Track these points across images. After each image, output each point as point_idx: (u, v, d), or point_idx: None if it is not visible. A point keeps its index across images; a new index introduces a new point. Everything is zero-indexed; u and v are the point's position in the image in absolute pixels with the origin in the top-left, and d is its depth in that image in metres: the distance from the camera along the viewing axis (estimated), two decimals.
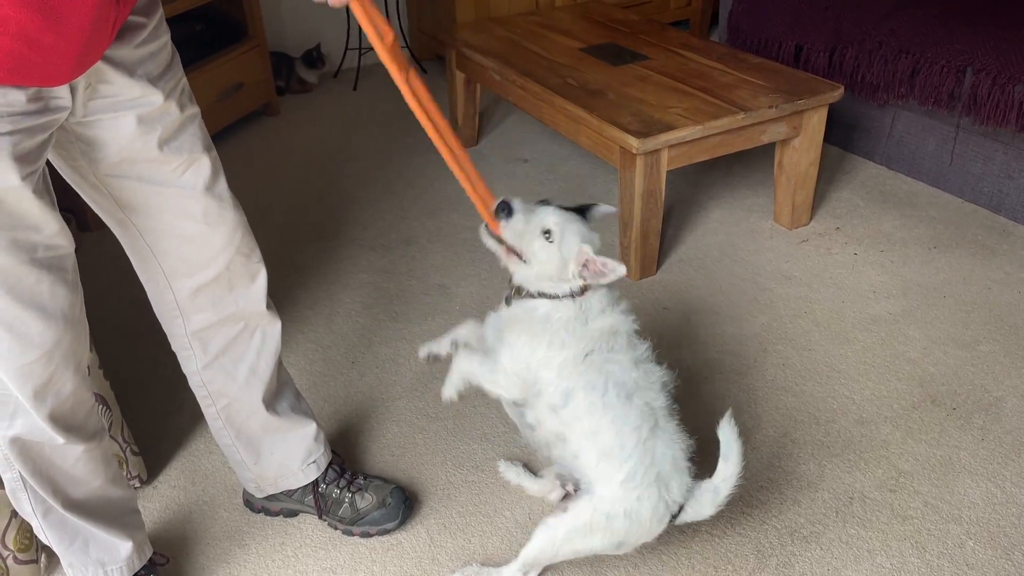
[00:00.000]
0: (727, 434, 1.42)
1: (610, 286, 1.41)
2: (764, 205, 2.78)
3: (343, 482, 1.68)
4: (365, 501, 1.66)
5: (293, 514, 1.71)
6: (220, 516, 1.74)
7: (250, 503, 1.73)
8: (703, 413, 1.93)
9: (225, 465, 1.84)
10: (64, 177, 1.29)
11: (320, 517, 1.68)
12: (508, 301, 1.45)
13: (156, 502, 1.77)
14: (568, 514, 1.40)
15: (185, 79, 1.30)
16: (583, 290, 1.38)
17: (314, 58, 3.91)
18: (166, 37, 1.25)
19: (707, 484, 1.42)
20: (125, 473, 1.73)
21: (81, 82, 1.13)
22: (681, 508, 1.41)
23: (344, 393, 2.06)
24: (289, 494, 1.67)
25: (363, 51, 4.06)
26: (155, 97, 1.21)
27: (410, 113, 1.31)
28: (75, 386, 1.27)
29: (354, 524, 1.65)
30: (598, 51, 2.82)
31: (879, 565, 1.57)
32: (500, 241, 1.38)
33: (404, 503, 1.67)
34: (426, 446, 1.89)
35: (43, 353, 1.19)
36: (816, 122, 2.49)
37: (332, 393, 2.05)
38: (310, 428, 1.64)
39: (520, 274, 1.41)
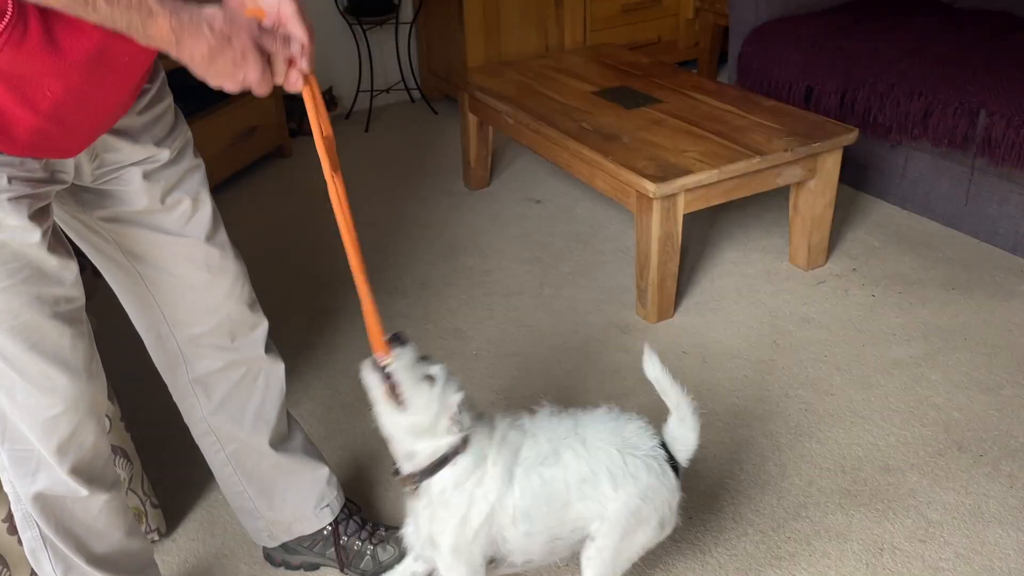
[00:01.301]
0: (654, 371, 1.43)
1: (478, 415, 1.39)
2: (779, 246, 2.77)
3: (364, 534, 1.66)
4: (387, 553, 1.64)
5: (314, 567, 1.69)
6: (240, 570, 1.71)
7: (270, 557, 1.70)
8: (726, 460, 1.91)
9: None
10: (62, 227, 1.29)
11: (342, 571, 1.65)
12: (411, 492, 1.38)
13: (175, 555, 1.74)
14: (600, 540, 1.39)
15: (190, 133, 1.33)
16: (464, 441, 1.33)
17: (326, 100, 3.94)
18: (169, 98, 1.28)
19: (670, 421, 1.45)
20: (144, 526, 1.71)
21: (85, 155, 1.16)
22: (669, 452, 1.44)
23: (362, 441, 2.04)
24: (310, 546, 1.65)
25: (375, 93, 4.10)
26: (162, 154, 1.25)
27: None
28: (96, 437, 1.27)
29: None
30: (611, 94, 2.83)
31: None
32: (385, 376, 1.28)
33: None
34: None
35: (68, 406, 1.20)
36: (831, 164, 2.49)
37: (350, 440, 2.04)
38: (322, 471, 1.63)
39: (391, 424, 1.32)
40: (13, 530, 1.41)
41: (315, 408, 2.14)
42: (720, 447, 1.95)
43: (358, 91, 4.10)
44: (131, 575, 1.42)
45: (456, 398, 1.31)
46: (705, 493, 1.83)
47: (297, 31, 1.10)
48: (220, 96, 3.27)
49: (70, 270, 1.16)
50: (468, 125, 3.15)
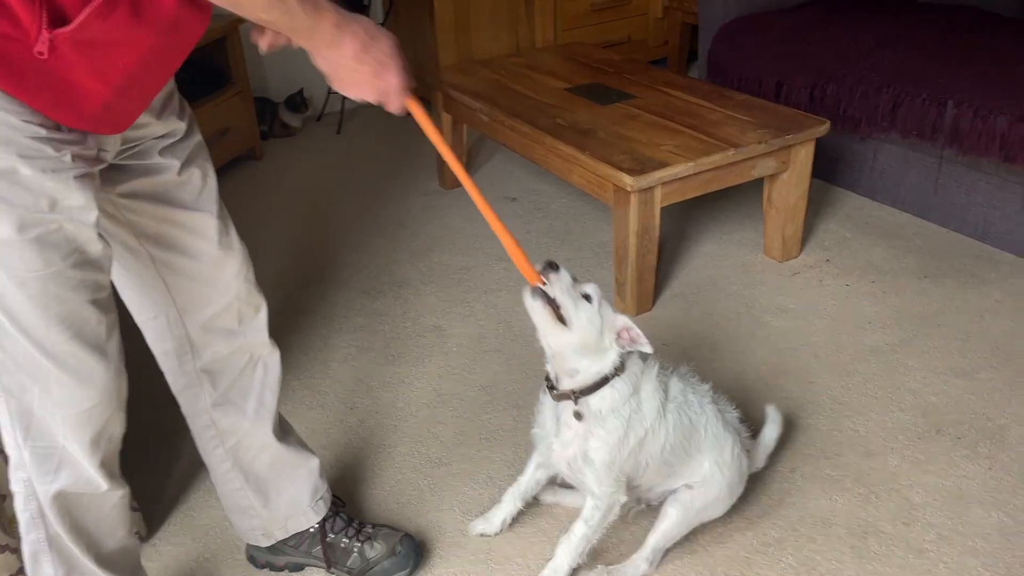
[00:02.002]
0: (773, 413, 1.80)
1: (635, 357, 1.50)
2: (753, 239, 2.79)
3: (351, 531, 1.64)
4: (375, 550, 1.62)
5: (299, 568, 1.66)
6: (223, 573, 1.68)
7: (254, 559, 1.68)
8: None
9: (225, 519, 1.77)
10: None
11: (328, 569, 1.63)
12: (574, 412, 1.46)
13: (156, 561, 1.71)
14: (698, 491, 1.58)
15: (191, 110, 1.35)
16: (617, 371, 1.45)
17: (297, 103, 3.91)
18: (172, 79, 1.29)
19: (759, 441, 1.77)
20: None
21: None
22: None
23: (344, 440, 2.01)
24: (296, 545, 1.63)
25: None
26: (180, 127, 1.28)
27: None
28: (122, 430, 1.28)
29: (364, 575, 1.61)
30: (584, 91, 2.84)
31: None
32: (547, 301, 1.37)
33: (415, 551, 1.63)
34: (432, 493, 1.85)
35: (104, 397, 1.19)
36: (804, 156, 2.52)
37: (332, 440, 2.01)
38: (314, 462, 1.61)
39: (558, 343, 1.42)
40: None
41: (294, 408, 2.11)
42: None
43: (329, 93, 4.06)
44: (128, 574, 1.40)
45: (620, 318, 1.43)
46: None
47: None
48: (189, 98, 3.22)
49: (108, 257, 1.16)
50: (442, 124, 3.14)
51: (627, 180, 2.20)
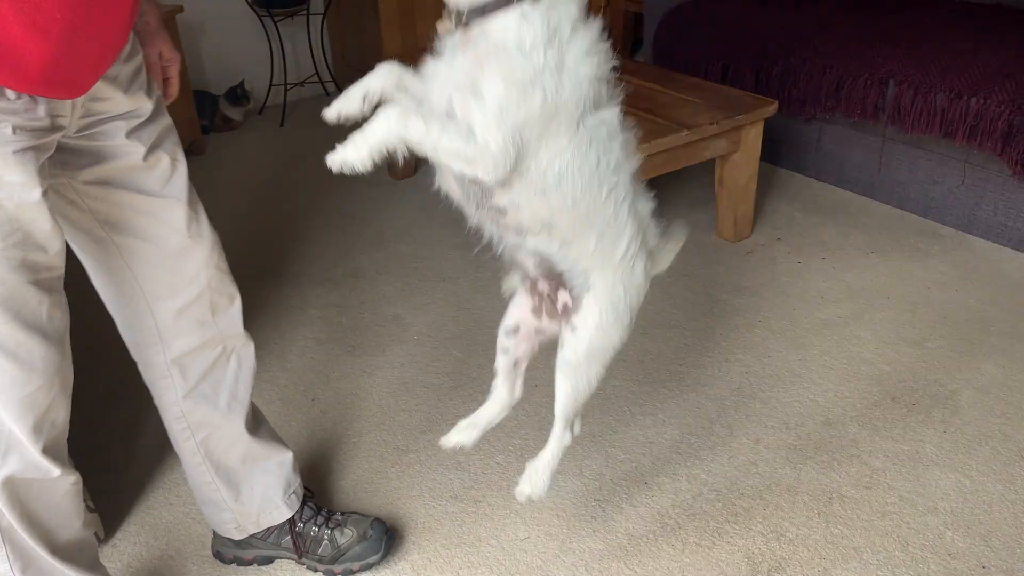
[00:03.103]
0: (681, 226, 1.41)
1: None
2: (705, 220, 2.83)
3: (320, 519, 1.61)
4: (345, 536, 1.59)
5: (268, 561, 1.62)
6: (189, 570, 1.63)
7: (220, 554, 1.63)
8: (675, 425, 1.94)
9: (188, 516, 1.74)
10: None
11: (299, 559, 1.60)
12: (459, 35, 1.08)
13: (117, 561, 1.65)
14: (578, 332, 1.27)
15: (160, 92, 1.29)
16: None
17: (238, 95, 3.83)
18: (141, 55, 1.23)
19: (666, 238, 1.39)
20: None
21: (80, 99, 1.11)
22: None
23: (308, 432, 1.98)
24: (265, 536, 1.59)
25: (288, 86, 3.99)
26: (147, 107, 1.22)
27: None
28: (66, 414, 1.23)
29: (335, 562, 1.58)
30: None
31: (866, 563, 1.58)
32: None
33: (386, 534, 1.61)
34: (400, 480, 1.83)
35: (46, 380, 1.15)
36: (753, 136, 2.56)
37: (295, 433, 1.97)
38: (287, 456, 1.58)
39: None
40: None
41: (255, 402, 2.06)
42: (668, 413, 1.97)
43: (271, 85, 3.99)
44: (86, 570, 1.34)
45: None
46: (658, 457, 1.85)
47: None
48: None
49: (58, 238, 1.11)
50: None
51: None
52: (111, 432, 1.95)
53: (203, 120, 3.70)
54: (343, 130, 1.19)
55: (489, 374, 2.13)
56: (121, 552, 1.68)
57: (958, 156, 2.61)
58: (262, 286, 2.55)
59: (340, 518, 1.62)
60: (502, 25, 1.05)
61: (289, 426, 1.99)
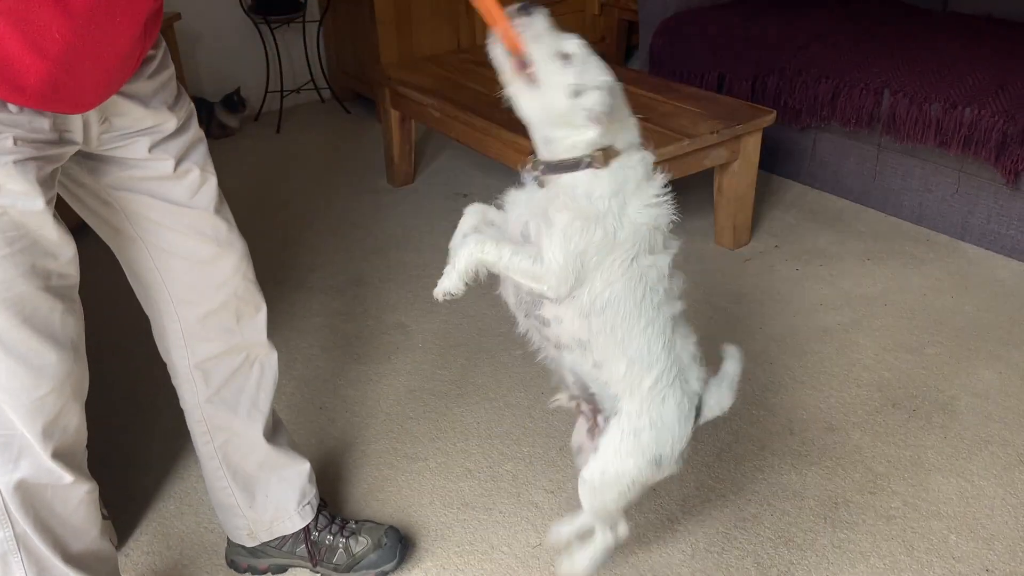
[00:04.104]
0: (732, 352, 1.46)
1: (643, 155, 1.22)
2: (704, 228, 2.86)
3: (335, 528, 1.62)
4: (360, 545, 1.61)
5: (282, 570, 1.63)
6: None
7: (235, 564, 1.64)
8: None
9: (201, 526, 1.75)
10: (66, 199, 1.26)
11: (314, 568, 1.61)
12: (536, 179, 1.22)
13: (131, 571, 1.66)
14: (598, 454, 1.31)
15: (192, 105, 1.30)
16: (606, 158, 1.17)
17: (234, 102, 3.83)
18: (172, 69, 1.25)
19: (719, 375, 1.41)
20: None
21: (95, 116, 1.12)
22: (700, 401, 1.35)
23: (317, 440, 1.99)
24: (279, 545, 1.60)
25: (284, 93, 4.00)
26: (170, 123, 1.22)
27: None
28: (79, 422, 1.24)
29: (350, 571, 1.59)
30: None
31: (873, 567, 1.62)
32: (512, 50, 1.13)
33: (400, 542, 1.63)
34: (411, 488, 1.84)
35: (56, 385, 1.16)
36: (752, 146, 2.59)
37: (304, 441, 1.98)
38: (305, 467, 1.59)
39: (524, 105, 1.18)
40: None
41: None
42: None
43: (267, 92, 3.99)
44: None
45: (601, 79, 1.14)
46: None
47: None
48: None
49: (68, 246, 1.12)
50: (390, 121, 3.12)
51: None
52: (122, 441, 1.95)
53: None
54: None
55: (495, 381, 2.15)
56: (135, 562, 1.68)
57: (952, 165, 2.66)
58: (266, 294, 2.54)
59: (354, 526, 1.63)
60: (574, 179, 1.18)
61: (298, 434, 2.00)
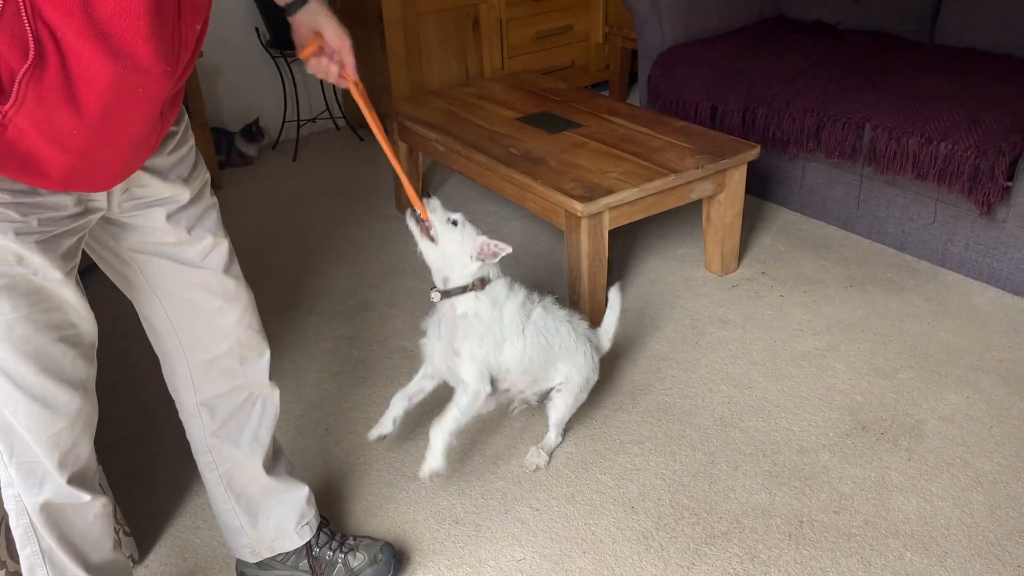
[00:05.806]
0: (614, 294, 2.20)
1: (506, 276, 1.91)
2: (695, 255, 3.00)
3: (335, 544, 1.77)
4: (357, 560, 1.75)
5: None
6: None
7: (244, 575, 1.80)
8: (661, 453, 2.10)
9: (213, 539, 1.91)
10: (91, 256, 1.40)
11: None
12: (439, 300, 1.88)
13: None
14: (565, 389, 2.06)
15: (208, 174, 1.45)
16: (482, 283, 1.85)
17: (253, 132, 4.02)
18: (192, 141, 1.40)
19: (601, 329, 2.21)
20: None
21: (118, 187, 1.26)
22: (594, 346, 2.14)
23: (322, 459, 2.14)
24: (283, 560, 1.75)
25: (300, 123, 4.18)
26: (184, 195, 1.36)
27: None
28: (90, 449, 1.39)
29: None
30: (534, 120, 3.01)
31: None
32: (418, 221, 1.81)
33: (394, 557, 1.78)
34: (407, 505, 1.99)
35: (69, 422, 1.30)
36: (738, 178, 2.73)
37: (309, 460, 2.14)
38: (303, 491, 1.74)
39: (430, 255, 1.84)
40: None
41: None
42: (655, 441, 2.14)
43: (284, 122, 4.18)
44: None
45: (480, 238, 1.82)
46: (644, 484, 2.01)
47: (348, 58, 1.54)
48: None
49: (83, 305, 1.27)
50: (398, 152, 3.28)
51: (577, 207, 2.38)
52: (143, 458, 2.12)
53: (220, 156, 3.89)
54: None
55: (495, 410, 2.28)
56: (153, 572, 1.84)
57: (931, 195, 2.77)
58: (278, 319, 2.72)
59: (353, 542, 1.78)
60: (463, 301, 1.85)
61: (304, 454, 2.16)
